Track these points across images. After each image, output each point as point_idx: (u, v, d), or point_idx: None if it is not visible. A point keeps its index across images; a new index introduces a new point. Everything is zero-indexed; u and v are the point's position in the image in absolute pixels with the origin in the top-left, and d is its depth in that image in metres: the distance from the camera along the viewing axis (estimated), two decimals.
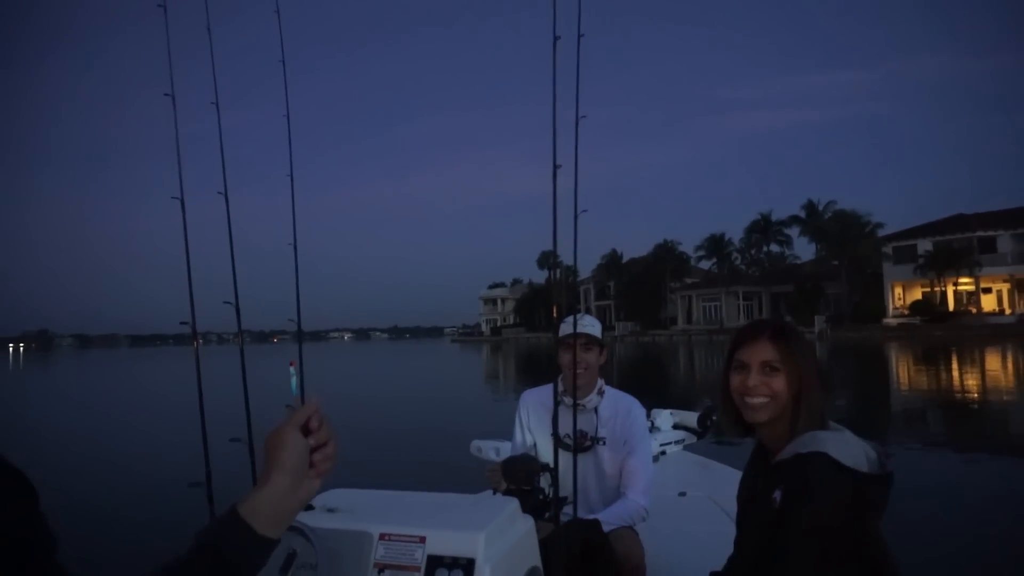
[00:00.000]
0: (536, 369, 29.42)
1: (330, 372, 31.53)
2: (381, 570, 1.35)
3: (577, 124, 1.90)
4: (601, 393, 2.71)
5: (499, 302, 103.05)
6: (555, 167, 1.86)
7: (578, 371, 2.51)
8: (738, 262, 68.41)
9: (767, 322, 1.65)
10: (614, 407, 2.71)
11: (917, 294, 52.96)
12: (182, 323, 2.10)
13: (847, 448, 1.47)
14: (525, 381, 22.32)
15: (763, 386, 1.57)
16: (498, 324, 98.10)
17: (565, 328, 2.60)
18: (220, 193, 2.24)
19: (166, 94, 2.12)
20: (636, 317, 70.06)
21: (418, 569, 1.33)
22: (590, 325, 2.66)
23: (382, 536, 1.39)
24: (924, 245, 51.69)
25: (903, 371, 23.33)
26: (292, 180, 2.42)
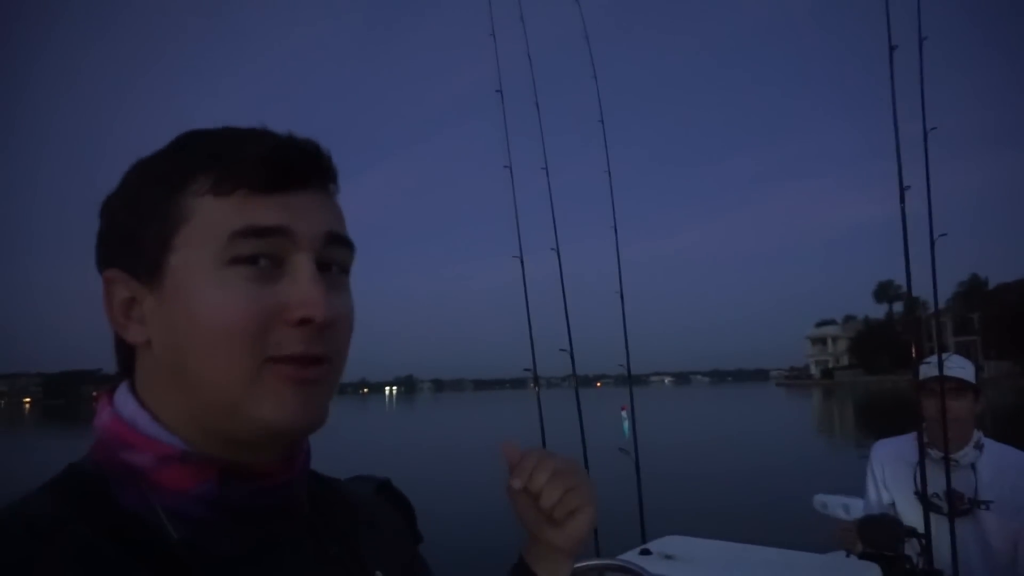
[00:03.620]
0: (880, 418, 25.98)
1: (654, 416, 31.82)
2: None
3: (926, 137, 1.67)
4: (979, 447, 2.29)
5: (829, 341, 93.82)
6: (902, 189, 1.65)
7: (946, 421, 2.17)
8: None
9: None
10: (999, 464, 2.26)
11: None
12: (525, 370, 2.32)
13: None
14: (868, 432, 20.00)
15: None
16: (829, 366, 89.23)
17: (927, 370, 2.27)
18: (552, 249, 2.45)
19: (505, 166, 2.41)
20: (1012, 356, 57.96)
21: None
22: (959, 367, 2.29)
23: None
24: None
25: None
26: (616, 231, 2.55)
